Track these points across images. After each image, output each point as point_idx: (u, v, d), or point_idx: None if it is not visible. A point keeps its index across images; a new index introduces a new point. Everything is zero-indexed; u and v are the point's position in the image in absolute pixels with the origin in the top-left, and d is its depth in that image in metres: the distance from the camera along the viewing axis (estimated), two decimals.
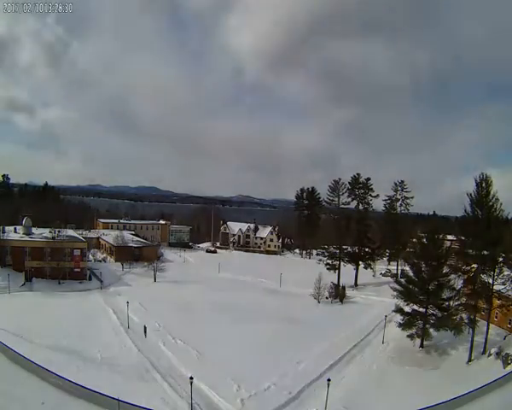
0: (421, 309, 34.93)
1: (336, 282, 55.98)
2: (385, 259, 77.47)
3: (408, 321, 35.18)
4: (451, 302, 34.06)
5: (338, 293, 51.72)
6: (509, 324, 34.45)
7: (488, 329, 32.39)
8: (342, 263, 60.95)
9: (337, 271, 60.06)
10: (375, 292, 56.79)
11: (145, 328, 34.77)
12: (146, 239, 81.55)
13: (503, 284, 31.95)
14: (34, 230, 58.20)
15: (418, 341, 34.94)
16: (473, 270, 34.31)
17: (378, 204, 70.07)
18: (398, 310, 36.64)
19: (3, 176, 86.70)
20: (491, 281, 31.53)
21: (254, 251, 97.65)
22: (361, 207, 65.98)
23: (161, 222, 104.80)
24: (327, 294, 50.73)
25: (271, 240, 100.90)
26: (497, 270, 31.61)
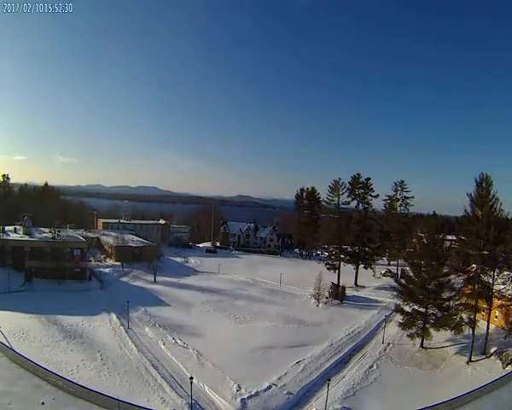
0: (421, 309, 34.95)
1: (336, 282, 55.87)
2: (385, 259, 77.54)
3: (408, 321, 35.22)
4: (451, 302, 34.05)
5: (338, 293, 51.65)
6: (509, 324, 34.42)
7: (488, 329, 32.42)
8: (342, 263, 60.90)
9: (337, 271, 59.98)
10: (375, 292, 56.79)
11: None
12: (146, 239, 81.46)
13: (503, 283, 31.99)
14: (34, 230, 58.24)
15: (418, 341, 34.96)
16: (473, 270, 34.34)
17: (378, 204, 70.13)
18: (399, 310, 36.69)
19: (3, 176, 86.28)
20: (491, 281, 31.55)
21: (254, 251, 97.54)
22: (361, 207, 65.99)
23: (161, 222, 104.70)
24: (327, 294, 50.67)
25: (271, 240, 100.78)
26: (497, 270, 31.64)
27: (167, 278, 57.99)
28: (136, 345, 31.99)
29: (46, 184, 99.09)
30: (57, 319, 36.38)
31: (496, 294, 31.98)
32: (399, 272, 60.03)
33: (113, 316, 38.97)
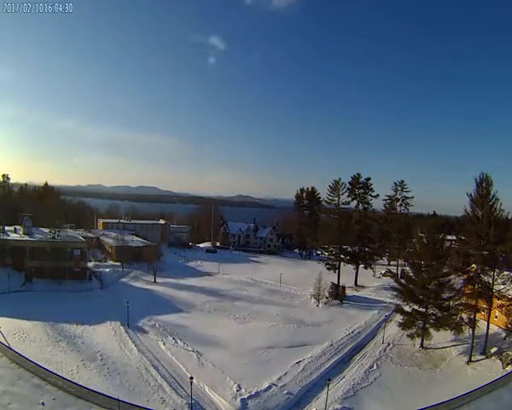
0: (421, 309, 34.94)
1: (336, 282, 55.88)
2: (385, 259, 77.54)
3: (408, 321, 35.22)
4: (451, 302, 34.07)
5: (338, 293, 51.65)
6: (509, 324, 34.42)
7: (488, 329, 32.42)
8: (342, 263, 60.91)
9: (337, 271, 59.99)
10: (375, 292, 56.75)
11: None
12: (146, 239, 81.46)
13: (503, 283, 31.97)
14: (34, 230, 58.24)
15: (418, 341, 34.96)
16: (473, 270, 34.33)
17: (378, 204, 70.13)
18: (399, 310, 36.70)
19: (3, 176, 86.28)
20: (491, 281, 31.55)
21: (254, 251, 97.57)
22: (361, 207, 66.01)
23: (161, 222, 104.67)
24: (327, 294, 50.68)
25: (271, 240, 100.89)
26: (497, 270, 31.63)
27: (167, 279, 57.98)
28: (136, 345, 31.98)
29: (46, 184, 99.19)
30: (57, 319, 36.26)
31: (496, 294, 31.98)
32: (399, 272, 60.05)
33: (113, 316, 38.91)
